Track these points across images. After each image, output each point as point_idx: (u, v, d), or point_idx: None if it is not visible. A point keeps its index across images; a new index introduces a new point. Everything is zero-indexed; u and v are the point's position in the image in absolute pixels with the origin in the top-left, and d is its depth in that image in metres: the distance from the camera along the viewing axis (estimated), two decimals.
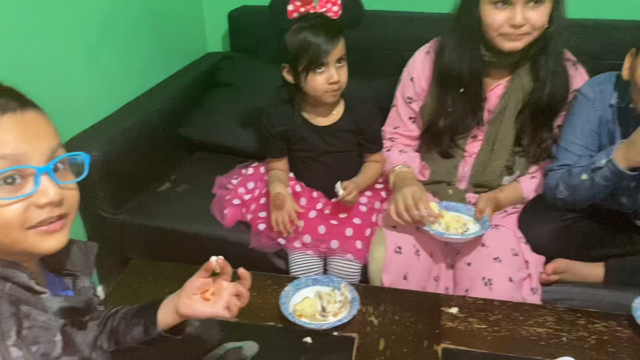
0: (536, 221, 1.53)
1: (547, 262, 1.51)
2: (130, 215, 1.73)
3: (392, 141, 1.70)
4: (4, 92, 0.74)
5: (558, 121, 1.57)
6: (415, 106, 1.64)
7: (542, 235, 1.50)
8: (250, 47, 2.16)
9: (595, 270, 1.50)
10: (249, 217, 1.64)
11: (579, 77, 1.55)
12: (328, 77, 1.48)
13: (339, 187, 1.48)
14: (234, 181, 1.78)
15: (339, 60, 1.48)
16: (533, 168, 1.62)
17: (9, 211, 0.71)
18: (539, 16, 1.38)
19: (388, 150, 1.67)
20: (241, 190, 1.72)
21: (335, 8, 1.50)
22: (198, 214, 1.70)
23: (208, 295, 0.94)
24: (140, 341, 0.94)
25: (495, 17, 1.40)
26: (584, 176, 1.37)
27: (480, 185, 1.63)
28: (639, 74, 1.28)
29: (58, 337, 0.77)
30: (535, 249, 1.51)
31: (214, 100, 2.08)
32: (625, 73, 1.35)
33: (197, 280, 0.94)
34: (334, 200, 1.57)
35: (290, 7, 1.49)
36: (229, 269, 0.94)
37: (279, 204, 1.51)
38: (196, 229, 1.68)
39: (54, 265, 0.87)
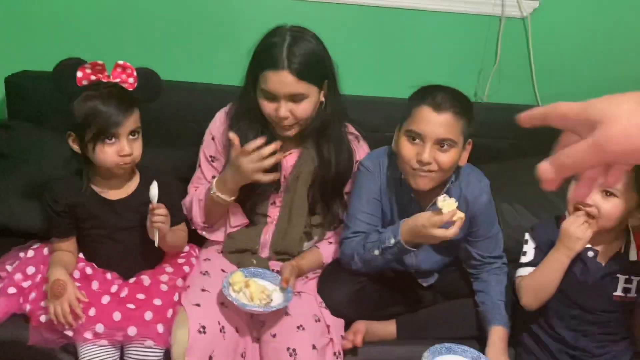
0: (333, 286, 1.59)
1: (346, 324, 1.57)
2: None
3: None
4: None
5: (347, 188, 1.68)
6: (218, 165, 1.64)
7: (339, 299, 1.56)
8: (31, 115, 1.95)
9: (388, 328, 1.60)
10: (27, 307, 1.43)
11: (361, 150, 1.69)
12: (119, 150, 1.41)
13: None
14: (9, 267, 1.56)
15: (132, 133, 1.42)
16: (329, 233, 1.71)
17: None
18: (302, 109, 1.52)
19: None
20: (18, 276, 1.50)
21: (131, 80, 1.45)
22: None
23: None
24: None
25: (265, 108, 1.53)
26: (376, 252, 1.49)
27: (282, 253, 1.65)
28: (399, 145, 1.45)
29: None
30: (335, 313, 1.56)
31: None
32: (393, 146, 1.51)
33: None
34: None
35: (79, 74, 1.40)
36: None
37: (58, 292, 1.36)
38: None
39: None
